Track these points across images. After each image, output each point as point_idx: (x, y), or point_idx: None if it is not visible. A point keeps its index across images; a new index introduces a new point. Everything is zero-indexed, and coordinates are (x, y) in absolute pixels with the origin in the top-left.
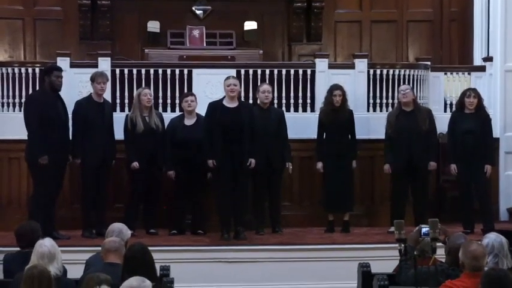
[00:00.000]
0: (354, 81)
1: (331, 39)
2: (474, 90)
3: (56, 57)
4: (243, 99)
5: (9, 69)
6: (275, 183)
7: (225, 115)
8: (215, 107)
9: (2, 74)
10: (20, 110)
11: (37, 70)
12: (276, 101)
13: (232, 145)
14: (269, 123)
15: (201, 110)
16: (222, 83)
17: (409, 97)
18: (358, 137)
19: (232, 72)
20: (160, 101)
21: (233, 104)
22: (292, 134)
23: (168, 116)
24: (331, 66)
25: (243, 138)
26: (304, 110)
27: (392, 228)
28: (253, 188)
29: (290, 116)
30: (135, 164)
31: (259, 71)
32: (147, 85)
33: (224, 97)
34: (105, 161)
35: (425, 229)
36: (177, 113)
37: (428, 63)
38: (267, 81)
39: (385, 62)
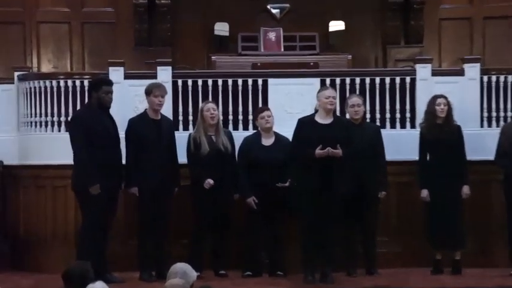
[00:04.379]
0: (463, 91)
1: (435, 41)
2: None
3: (108, 67)
4: None
5: (54, 82)
6: (370, 215)
7: (317, 132)
8: (305, 123)
9: (46, 87)
10: (66, 130)
11: (86, 82)
12: (368, 116)
13: (323, 168)
14: (363, 143)
15: (278, 127)
16: (303, 95)
17: None
18: (468, 157)
19: (316, 81)
20: (230, 117)
21: (327, 120)
22: (388, 155)
23: (240, 135)
24: (434, 73)
25: (336, 160)
26: (403, 126)
27: None
28: (344, 220)
29: (385, 134)
30: (210, 181)
31: (347, 80)
32: (215, 98)
33: (315, 112)
34: (165, 188)
35: None
36: (250, 131)
37: None
38: (357, 92)
39: (501, 66)
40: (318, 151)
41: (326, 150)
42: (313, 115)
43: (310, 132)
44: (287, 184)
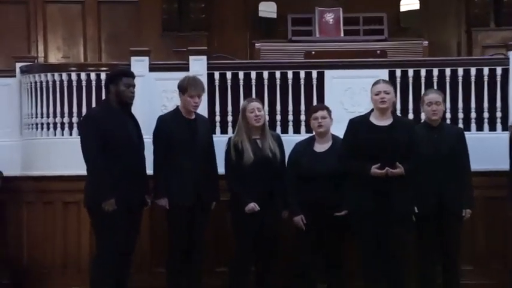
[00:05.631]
0: None
1: None
2: None
3: (130, 57)
4: (399, 113)
5: (64, 75)
6: (451, 237)
7: (372, 135)
8: (358, 124)
9: (54, 81)
10: (79, 134)
11: (103, 75)
12: (448, 115)
13: (381, 183)
14: (441, 148)
15: (337, 129)
16: (367, 90)
17: None
18: None
19: (384, 73)
20: (279, 117)
21: (385, 121)
22: (473, 163)
23: (290, 139)
24: None
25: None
26: (492, 129)
27: None
28: (418, 243)
29: (470, 137)
30: (253, 205)
31: (422, 72)
32: (259, 95)
33: (371, 111)
34: (200, 203)
35: None
36: (303, 135)
37: None
38: (435, 87)
39: None
40: (373, 170)
41: (384, 170)
42: (367, 114)
43: (363, 136)
44: (343, 213)
